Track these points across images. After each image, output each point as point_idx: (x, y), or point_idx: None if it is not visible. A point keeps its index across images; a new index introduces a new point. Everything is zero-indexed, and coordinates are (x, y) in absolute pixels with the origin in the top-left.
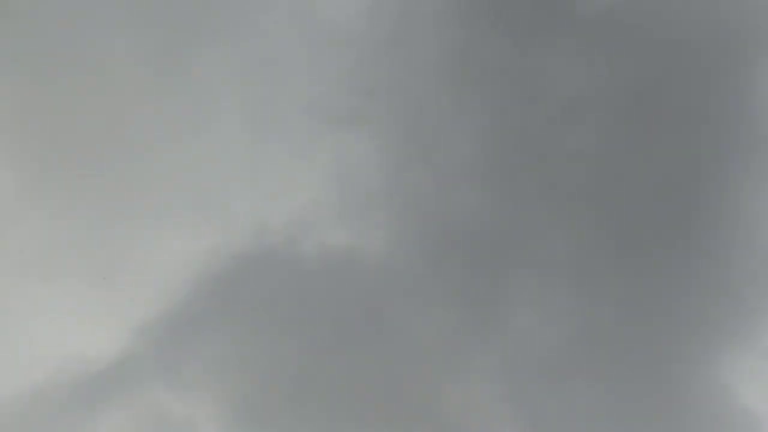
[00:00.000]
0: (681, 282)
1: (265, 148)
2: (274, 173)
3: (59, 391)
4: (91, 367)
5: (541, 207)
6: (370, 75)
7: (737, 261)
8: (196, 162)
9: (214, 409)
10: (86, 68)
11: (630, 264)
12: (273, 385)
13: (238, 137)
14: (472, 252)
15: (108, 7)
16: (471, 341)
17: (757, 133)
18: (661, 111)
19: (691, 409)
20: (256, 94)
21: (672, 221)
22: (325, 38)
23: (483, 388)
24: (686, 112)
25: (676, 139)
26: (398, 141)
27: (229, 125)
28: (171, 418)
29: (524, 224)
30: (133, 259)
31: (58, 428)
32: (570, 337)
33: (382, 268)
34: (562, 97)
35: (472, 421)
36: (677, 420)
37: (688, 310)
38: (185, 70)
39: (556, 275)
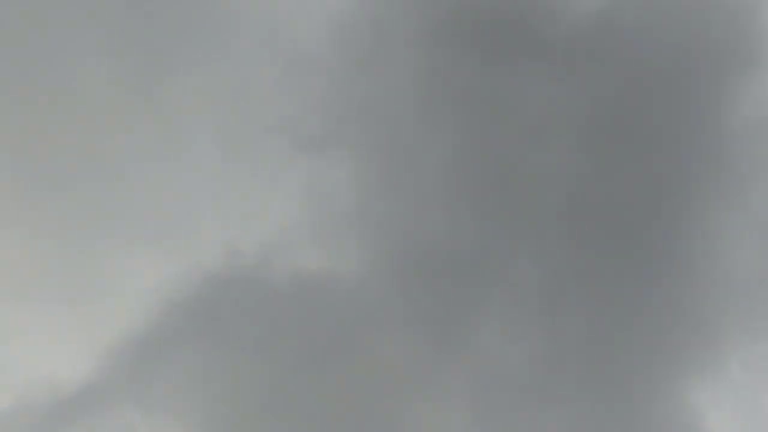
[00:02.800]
0: (648, 306)
1: (236, 171)
2: (246, 196)
3: (28, 413)
4: (60, 388)
5: (509, 229)
6: (341, 98)
7: (704, 287)
8: (168, 184)
9: (183, 430)
10: (59, 91)
11: (598, 286)
12: (243, 407)
13: (210, 160)
14: (442, 274)
15: (81, 31)
16: (440, 362)
17: (725, 158)
18: (630, 134)
19: None
20: (228, 118)
21: (640, 244)
22: (296, 62)
23: (452, 408)
24: (654, 135)
25: (645, 163)
26: (369, 164)
27: (201, 148)
28: None
29: (494, 247)
30: (104, 281)
31: None
32: (537, 358)
33: (353, 290)
34: (532, 120)
35: None
36: None
37: (655, 335)
38: (157, 94)
39: (524, 297)
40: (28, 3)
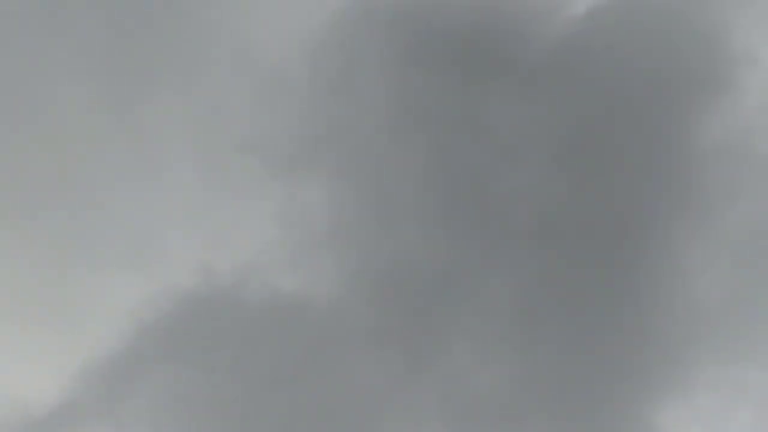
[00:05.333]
0: (618, 328)
1: (211, 193)
2: (221, 217)
3: None
4: (34, 409)
5: (483, 249)
6: (315, 119)
7: (672, 311)
8: (143, 205)
9: None
10: (35, 114)
11: (569, 306)
12: (217, 428)
13: (185, 181)
14: (416, 294)
15: (57, 55)
16: (413, 381)
17: (694, 182)
18: (600, 155)
19: None
20: (203, 140)
21: (610, 266)
22: (270, 84)
23: (425, 427)
24: (624, 157)
25: (615, 186)
26: (343, 185)
27: (177, 170)
28: None
29: (467, 267)
30: (79, 302)
31: None
32: (508, 377)
33: (327, 309)
34: (504, 140)
35: None
36: None
37: (625, 358)
38: (133, 117)
39: (497, 317)
40: (3, 27)
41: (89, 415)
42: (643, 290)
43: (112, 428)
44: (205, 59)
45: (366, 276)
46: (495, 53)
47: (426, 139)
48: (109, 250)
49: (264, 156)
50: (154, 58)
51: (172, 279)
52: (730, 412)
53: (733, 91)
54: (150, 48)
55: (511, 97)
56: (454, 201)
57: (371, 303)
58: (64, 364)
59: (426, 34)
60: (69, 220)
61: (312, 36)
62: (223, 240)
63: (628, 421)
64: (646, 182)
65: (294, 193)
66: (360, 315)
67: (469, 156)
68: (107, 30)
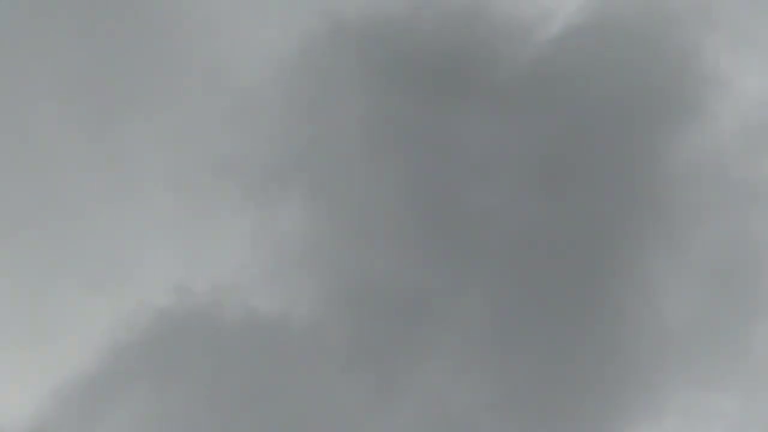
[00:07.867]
0: (590, 352)
1: (188, 212)
2: (198, 237)
3: None
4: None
5: (458, 268)
6: (289, 140)
7: (643, 334)
8: (119, 225)
9: None
10: (11, 135)
11: (542, 327)
12: None
13: (162, 201)
14: (392, 313)
15: (32, 75)
16: (388, 401)
17: (664, 204)
18: (572, 175)
19: None
20: (179, 160)
21: (582, 288)
22: (244, 105)
23: None
24: (594, 179)
25: (585, 207)
26: (319, 205)
27: (152, 191)
28: None
29: (443, 287)
30: (54, 322)
31: None
32: (483, 397)
33: (304, 330)
34: (478, 161)
35: None
36: None
37: (597, 381)
38: (108, 138)
39: (471, 336)
40: None
41: None
42: (613, 312)
43: None
44: (178, 81)
45: (341, 295)
46: (467, 74)
47: (400, 159)
48: (84, 270)
49: (238, 177)
50: (128, 80)
51: (148, 299)
52: None
53: (703, 114)
54: (124, 71)
55: (484, 118)
56: (428, 220)
57: (347, 322)
58: (38, 384)
59: (399, 55)
60: (44, 241)
61: (285, 57)
62: (198, 260)
63: None
64: (617, 204)
65: (269, 214)
66: (336, 334)
67: (443, 175)
68: (82, 53)
